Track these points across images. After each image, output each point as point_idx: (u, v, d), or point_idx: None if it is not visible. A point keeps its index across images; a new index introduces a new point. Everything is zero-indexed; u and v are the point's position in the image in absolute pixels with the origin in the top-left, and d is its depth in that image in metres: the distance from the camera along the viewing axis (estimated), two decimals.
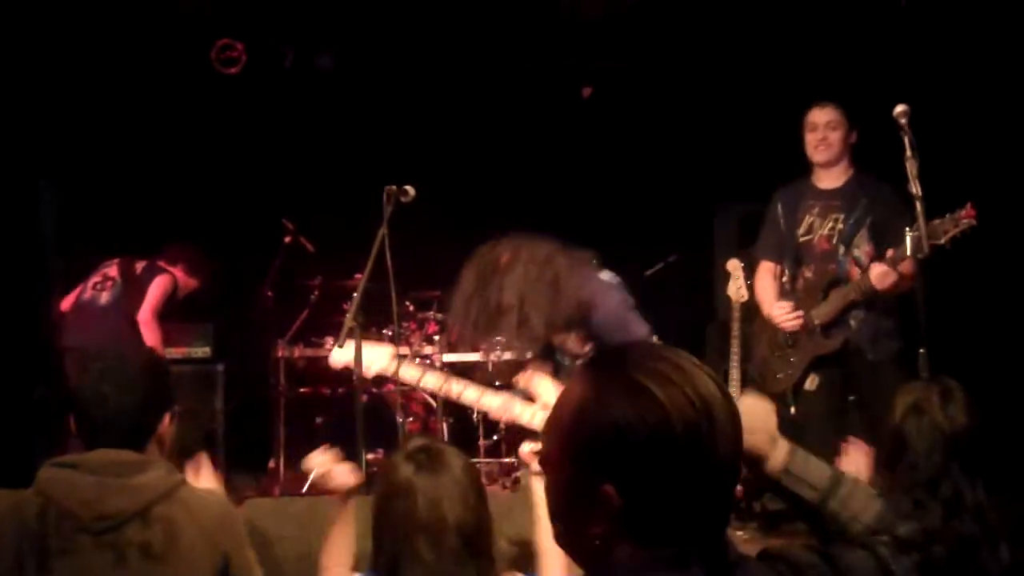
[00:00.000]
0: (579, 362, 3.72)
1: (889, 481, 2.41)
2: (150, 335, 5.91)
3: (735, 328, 5.21)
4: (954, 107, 5.64)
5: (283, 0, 6.92)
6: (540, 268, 3.51)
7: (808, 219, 4.66)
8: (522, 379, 3.52)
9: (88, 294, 6.02)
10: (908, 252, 3.86)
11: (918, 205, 3.76)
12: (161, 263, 6.15)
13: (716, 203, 7.24)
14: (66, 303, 6.16)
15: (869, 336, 4.46)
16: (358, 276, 6.36)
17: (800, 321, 4.57)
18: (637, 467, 1.28)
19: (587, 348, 3.71)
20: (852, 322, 4.49)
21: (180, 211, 6.60)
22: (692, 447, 1.28)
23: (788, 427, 4.52)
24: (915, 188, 3.76)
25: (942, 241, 3.91)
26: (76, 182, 6.77)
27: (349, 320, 4.23)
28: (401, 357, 3.82)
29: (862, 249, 4.51)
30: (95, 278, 6.08)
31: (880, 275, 4.20)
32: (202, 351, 6.70)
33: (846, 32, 6.31)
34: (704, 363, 1.38)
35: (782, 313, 4.63)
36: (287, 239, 6.87)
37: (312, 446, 6.41)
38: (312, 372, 6.85)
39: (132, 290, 5.98)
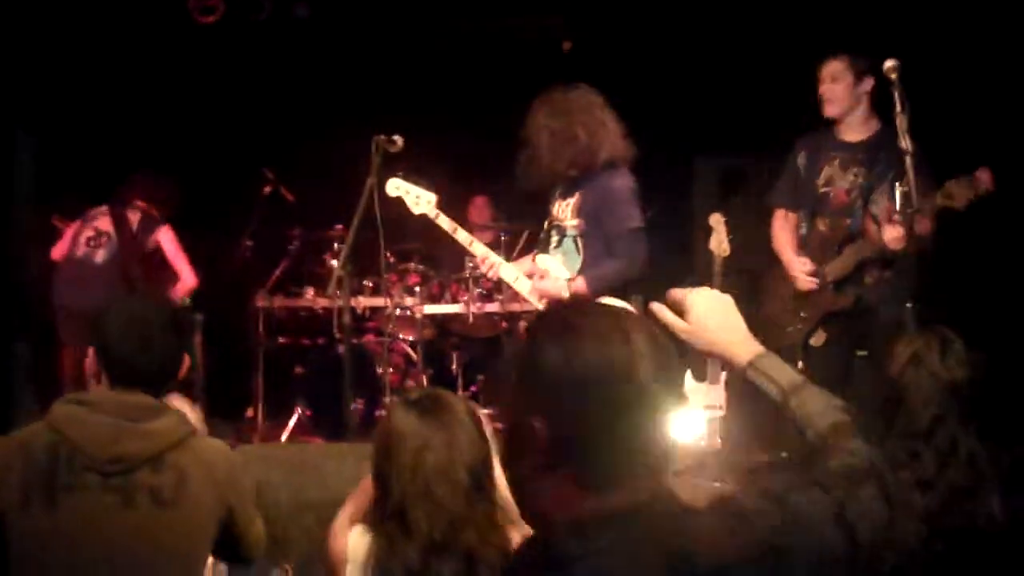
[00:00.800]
0: (575, 237, 4.30)
1: (885, 430, 2.45)
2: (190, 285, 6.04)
3: (715, 281, 5.23)
4: (948, 62, 5.64)
5: None
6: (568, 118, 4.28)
7: (828, 171, 4.52)
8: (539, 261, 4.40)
9: (81, 250, 5.88)
10: (897, 207, 3.87)
11: (908, 160, 3.76)
12: (139, 202, 6.05)
13: (695, 154, 7.25)
14: (57, 253, 6.03)
15: (883, 295, 4.33)
16: (338, 226, 6.38)
17: (815, 283, 4.47)
18: (562, 405, 1.38)
19: (579, 222, 4.28)
20: (867, 279, 4.37)
21: (159, 161, 6.51)
22: (616, 391, 1.37)
23: None
24: (905, 143, 3.77)
25: (958, 205, 3.82)
26: (53, 133, 6.69)
27: (338, 269, 4.26)
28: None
29: (880, 206, 4.34)
30: (87, 232, 5.95)
31: (894, 237, 4.04)
32: (181, 300, 6.67)
33: None
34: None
35: (803, 270, 4.51)
36: (266, 189, 6.84)
37: (290, 396, 6.53)
38: (291, 322, 6.85)
39: (127, 244, 5.90)
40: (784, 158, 4.78)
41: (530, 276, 4.46)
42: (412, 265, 6.55)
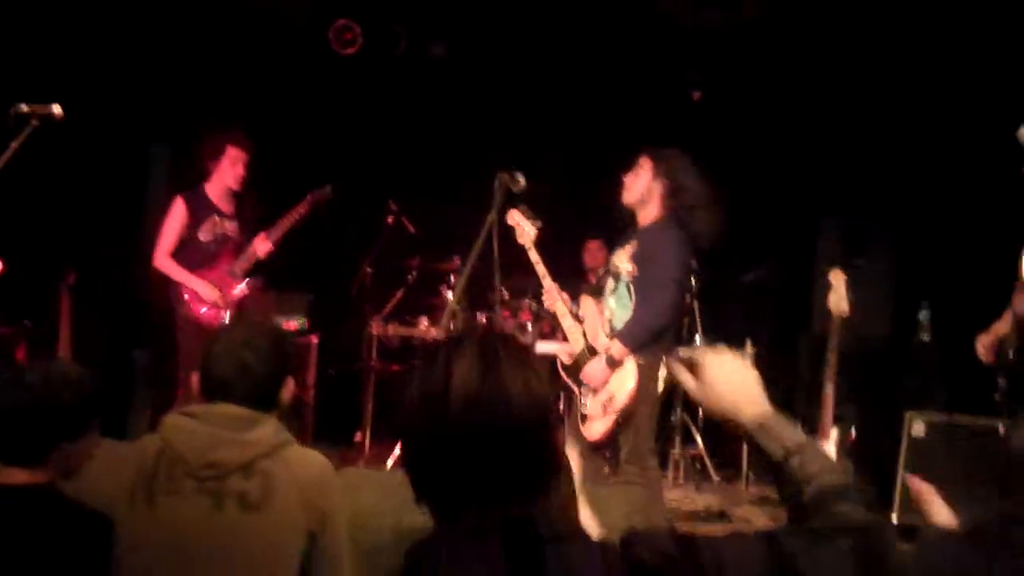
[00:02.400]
0: (628, 283, 4.52)
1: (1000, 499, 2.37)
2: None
3: (832, 341, 5.12)
4: None
5: None
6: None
7: None
8: (582, 303, 4.71)
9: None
10: None
11: None
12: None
13: (822, 216, 7.18)
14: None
15: None
16: (456, 260, 6.48)
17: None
18: (410, 434, 1.46)
19: (632, 268, 4.50)
20: None
21: (290, 187, 6.73)
22: (424, 424, 1.43)
23: None
24: None
25: None
26: (188, 146, 6.93)
27: (452, 302, 4.32)
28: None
29: None
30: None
31: None
32: (298, 322, 6.84)
33: (960, 46, 6.18)
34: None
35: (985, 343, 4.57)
36: (390, 220, 6.98)
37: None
38: (405, 351, 6.96)
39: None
40: None
41: (576, 318, 4.71)
42: (526, 302, 6.60)
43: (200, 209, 5.62)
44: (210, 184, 5.68)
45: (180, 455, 2.43)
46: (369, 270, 7.05)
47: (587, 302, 4.71)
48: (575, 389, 4.62)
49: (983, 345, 4.60)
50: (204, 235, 5.62)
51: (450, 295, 6.12)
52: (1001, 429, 4.56)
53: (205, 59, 6.98)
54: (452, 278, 6.50)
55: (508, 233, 4.71)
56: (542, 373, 1.51)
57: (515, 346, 1.51)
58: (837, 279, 5.17)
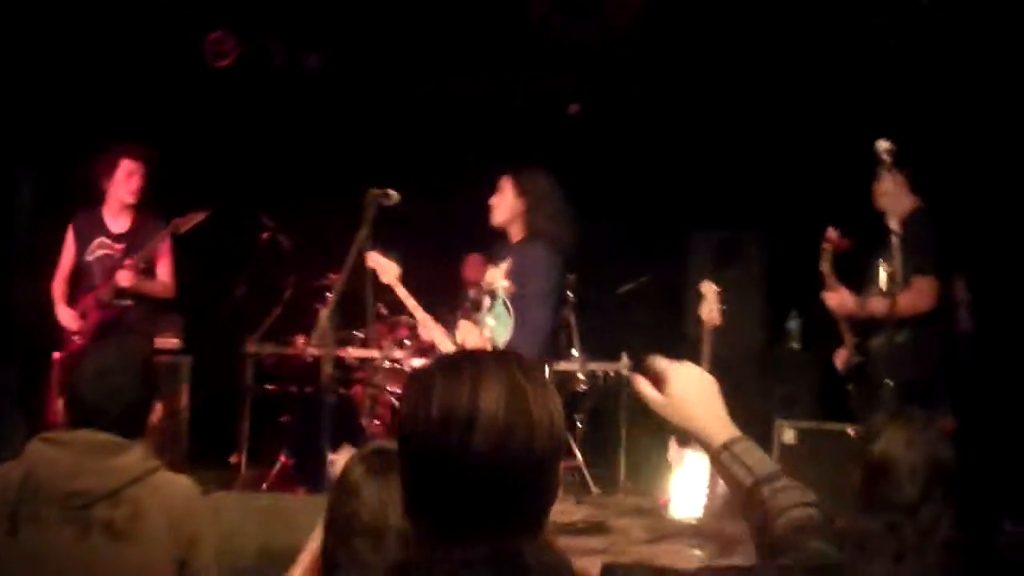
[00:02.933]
0: (504, 300, 4.63)
1: (865, 503, 2.45)
2: None
3: (705, 350, 5.26)
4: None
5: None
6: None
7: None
8: (461, 327, 4.76)
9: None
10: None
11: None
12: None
13: (691, 228, 7.33)
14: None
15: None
16: (333, 276, 6.40)
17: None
18: (423, 453, 1.40)
19: (508, 284, 4.61)
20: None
21: (158, 200, 6.56)
22: (442, 446, 1.37)
23: None
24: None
25: None
26: (56, 168, 6.71)
27: (323, 319, 4.27)
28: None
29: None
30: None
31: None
32: (170, 343, 6.67)
33: (825, 61, 6.39)
34: None
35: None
36: (264, 235, 6.86)
37: (275, 444, 6.50)
38: (280, 370, 6.85)
39: None
40: None
41: (455, 344, 4.77)
42: (403, 318, 6.56)
43: (88, 230, 5.59)
44: (107, 204, 5.62)
45: (43, 483, 2.37)
46: (243, 288, 6.91)
47: (466, 326, 4.77)
48: None
49: (838, 353, 4.79)
50: (90, 256, 5.57)
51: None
52: (851, 432, 4.70)
53: (73, 76, 6.74)
54: (328, 296, 6.41)
55: (380, 248, 4.72)
56: (559, 404, 1.47)
57: (539, 374, 1.46)
58: (708, 290, 5.30)
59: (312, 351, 6.50)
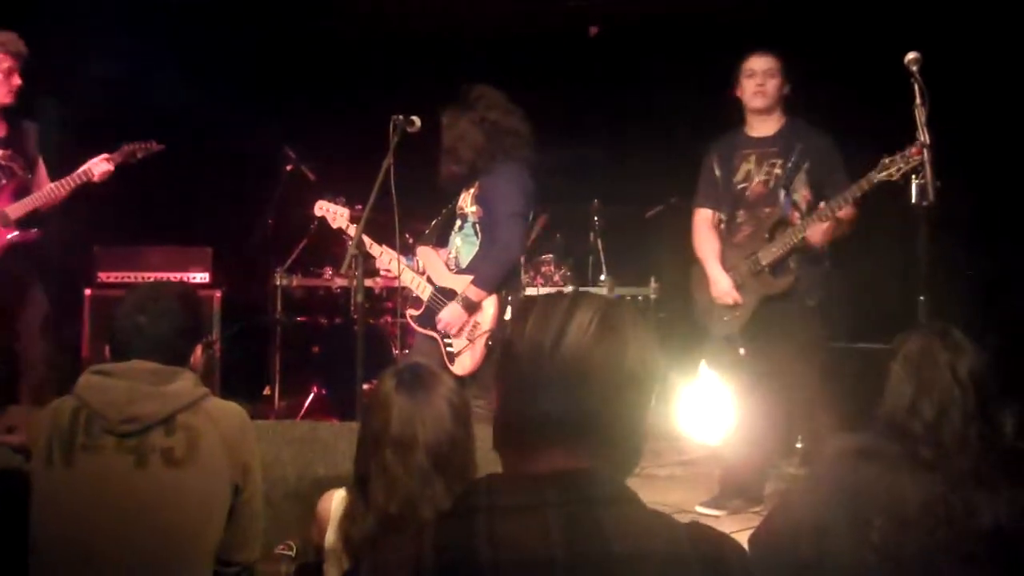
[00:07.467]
0: (474, 223, 4.67)
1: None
2: None
3: None
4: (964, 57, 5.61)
5: None
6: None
7: (744, 167, 4.70)
8: (419, 253, 4.85)
9: None
10: (913, 200, 3.85)
11: (926, 153, 3.77)
12: None
13: None
14: None
15: (807, 281, 4.53)
16: (359, 207, 6.38)
17: (736, 299, 4.61)
18: (502, 368, 1.46)
19: (477, 209, 4.64)
20: (792, 265, 4.53)
21: (182, 139, 6.52)
22: (535, 351, 1.41)
23: (739, 368, 4.62)
24: (923, 136, 3.78)
25: (895, 176, 3.95)
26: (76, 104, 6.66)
27: (352, 248, 4.28)
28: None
29: (800, 193, 4.57)
30: None
31: (816, 231, 4.36)
32: (200, 277, 6.71)
33: None
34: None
35: (723, 290, 4.65)
36: (288, 168, 6.85)
37: (307, 375, 6.55)
38: (309, 301, 6.88)
39: None
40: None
41: (420, 272, 4.83)
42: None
43: None
44: None
45: (98, 411, 2.39)
46: (270, 221, 6.92)
47: (424, 251, 4.85)
48: (437, 338, 4.65)
49: (724, 290, 4.76)
50: None
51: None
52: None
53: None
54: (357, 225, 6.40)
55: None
56: (653, 338, 1.48)
57: (633, 309, 1.49)
58: None
59: (340, 282, 6.53)
